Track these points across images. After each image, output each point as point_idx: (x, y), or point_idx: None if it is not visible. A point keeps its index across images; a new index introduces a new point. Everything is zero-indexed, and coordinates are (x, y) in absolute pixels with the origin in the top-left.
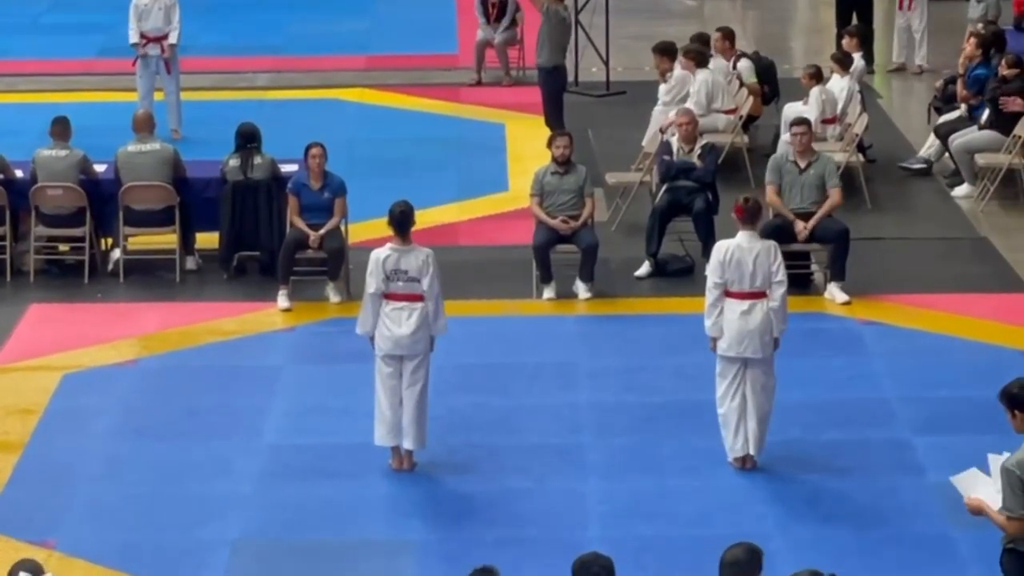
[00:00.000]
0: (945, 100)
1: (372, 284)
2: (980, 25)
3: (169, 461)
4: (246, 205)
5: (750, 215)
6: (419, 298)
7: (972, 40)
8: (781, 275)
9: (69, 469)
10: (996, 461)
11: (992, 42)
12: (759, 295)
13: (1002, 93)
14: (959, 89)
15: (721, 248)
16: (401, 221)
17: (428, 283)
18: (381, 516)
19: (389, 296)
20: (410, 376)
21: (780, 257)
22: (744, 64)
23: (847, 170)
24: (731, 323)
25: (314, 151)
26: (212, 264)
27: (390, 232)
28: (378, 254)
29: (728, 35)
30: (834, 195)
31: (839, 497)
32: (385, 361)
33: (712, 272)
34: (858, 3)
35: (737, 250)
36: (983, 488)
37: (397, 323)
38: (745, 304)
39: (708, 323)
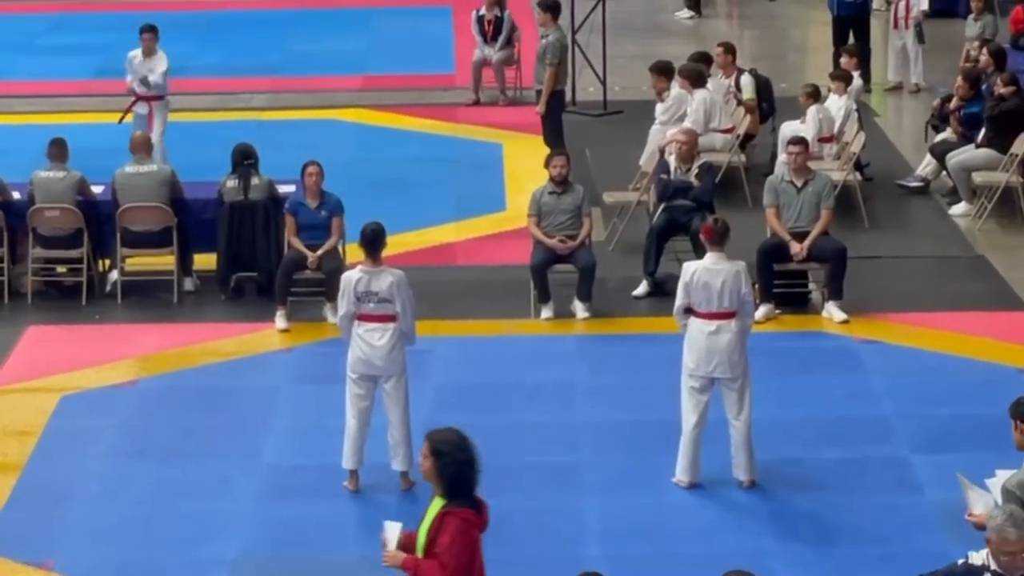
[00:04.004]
0: (942, 118)
1: (343, 306)
2: (976, 44)
3: (168, 481)
4: (243, 226)
5: (719, 236)
6: (392, 318)
7: (962, 83)
8: (750, 297)
9: (68, 490)
10: (996, 484)
11: (979, 77)
12: (727, 315)
13: (1000, 111)
14: (953, 124)
15: (688, 270)
16: (372, 242)
17: (401, 306)
18: (380, 534)
19: (362, 317)
20: (391, 395)
21: (748, 279)
22: (745, 79)
23: (844, 189)
24: (699, 343)
25: (310, 169)
26: (210, 285)
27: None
28: (349, 276)
29: (730, 50)
30: (825, 216)
31: (838, 514)
32: (357, 383)
33: (677, 295)
34: (854, 22)
35: (704, 272)
36: (975, 497)
37: (370, 344)
38: (713, 325)
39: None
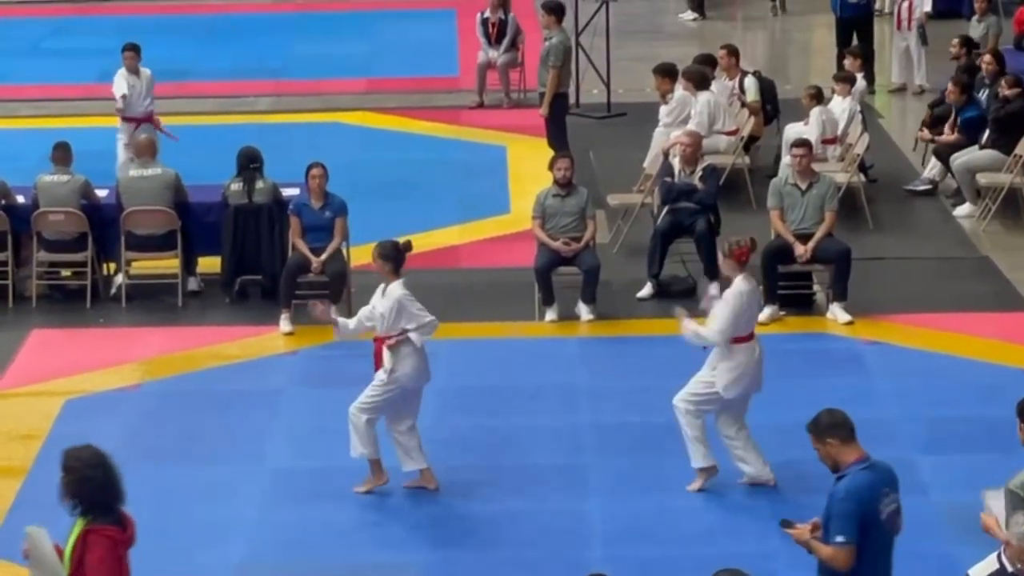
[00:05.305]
0: (933, 125)
1: (426, 313)
2: (957, 44)
3: (172, 485)
4: (248, 229)
5: (748, 258)
6: None
7: (953, 88)
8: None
9: None
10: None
11: (972, 83)
12: (753, 332)
13: (1005, 113)
14: (949, 134)
15: (738, 296)
16: (402, 256)
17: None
18: (384, 538)
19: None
20: (418, 402)
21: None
22: (749, 81)
23: (848, 190)
24: (748, 366)
25: (315, 171)
26: (214, 288)
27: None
28: (407, 293)
29: (733, 52)
30: (829, 218)
31: None
32: (401, 393)
33: (725, 320)
34: (858, 24)
35: (750, 295)
36: (995, 505)
37: (424, 356)
38: (756, 347)
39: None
